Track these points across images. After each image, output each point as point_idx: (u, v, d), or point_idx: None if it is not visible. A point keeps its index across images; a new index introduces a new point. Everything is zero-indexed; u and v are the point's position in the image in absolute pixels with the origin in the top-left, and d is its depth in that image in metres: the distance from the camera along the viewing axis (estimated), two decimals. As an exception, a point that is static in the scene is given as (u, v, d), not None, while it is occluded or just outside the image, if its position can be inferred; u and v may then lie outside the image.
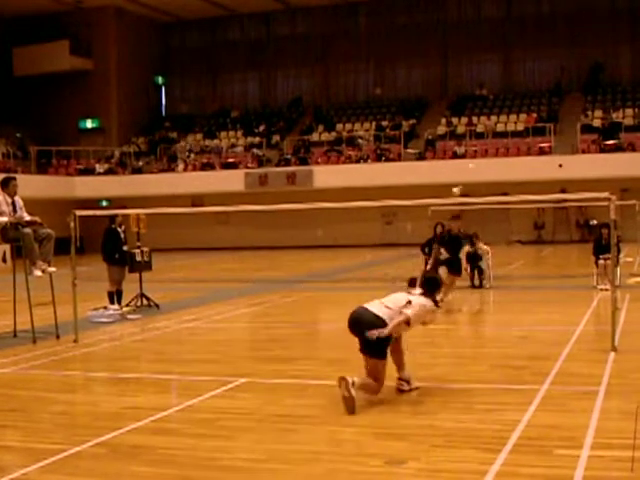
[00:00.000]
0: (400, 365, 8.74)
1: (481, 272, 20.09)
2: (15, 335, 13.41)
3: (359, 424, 7.47)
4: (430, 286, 8.73)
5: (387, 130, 46.14)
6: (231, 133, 50.29)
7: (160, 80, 55.26)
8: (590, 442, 6.64)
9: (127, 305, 17.04)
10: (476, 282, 20.02)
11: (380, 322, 8.11)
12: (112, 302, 16.63)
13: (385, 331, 8.04)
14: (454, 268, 17.62)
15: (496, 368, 10.24)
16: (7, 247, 13.22)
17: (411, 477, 6.05)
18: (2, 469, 6.46)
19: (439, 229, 20.41)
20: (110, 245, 16.91)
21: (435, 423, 7.49)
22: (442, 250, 17.99)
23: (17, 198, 13.48)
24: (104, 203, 44.63)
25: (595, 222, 35.42)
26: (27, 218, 13.38)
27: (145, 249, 17.98)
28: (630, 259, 25.29)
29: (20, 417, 8.32)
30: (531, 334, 12.95)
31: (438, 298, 8.81)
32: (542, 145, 41.37)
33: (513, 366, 10.26)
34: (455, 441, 6.85)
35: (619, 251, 17.88)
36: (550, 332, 13.19)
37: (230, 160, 45.97)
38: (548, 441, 6.73)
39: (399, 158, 43.58)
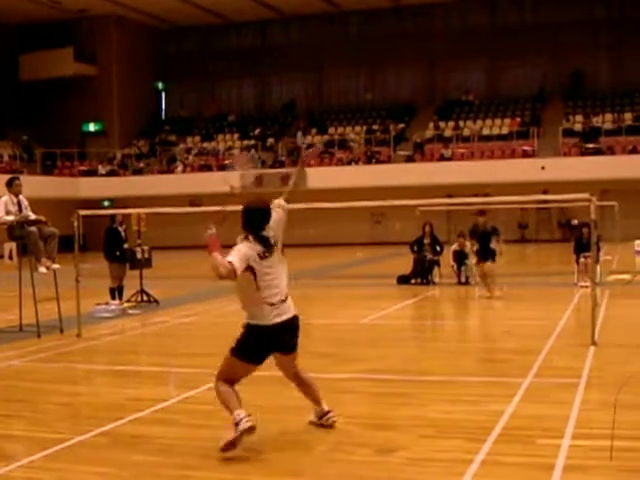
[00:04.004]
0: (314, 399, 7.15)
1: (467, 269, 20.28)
2: (21, 329, 13.37)
3: (349, 415, 7.43)
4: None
5: (377, 133, 46.55)
6: (228, 136, 50.51)
7: (160, 85, 55.51)
8: (571, 432, 6.70)
9: (128, 301, 17.21)
10: (462, 279, 20.36)
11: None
12: (113, 298, 16.69)
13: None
14: (487, 257, 17.77)
15: (482, 362, 10.38)
16: (13, 245, 13.28)
17: (400, 466, 6.06)
18: (9, 457, 6.51)
19: (427, 228, 21.06)
20: (111, 243, 17.04)
21: (423, 414, 7.53)
22: (474, 241, 18.35)
23: (22, 198, 13.51)
24: (106, 203, 44.37)
25: (576, 222, 35.25)
26: (32, 217, 13.41)
27: (145, 247, 18.16)
28: (609, 257, 25.23)
29: (25, 407, 8.32)
30: (515, 329, 13.01)
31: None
32: (525, 148, 41.72)
33: (498, 360, 10.37)
34: (442, 431, 6.92)
35: (599, 250, 17.70)
36: (533, 327, 13.20)
37: (227, 162, 45.88)
38: (531, 431, 6.79)
39: (389, 160, 43.92)
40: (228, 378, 6.60)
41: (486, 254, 17.81)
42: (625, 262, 25.20)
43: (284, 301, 6.69)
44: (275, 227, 6.78)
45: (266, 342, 6.63)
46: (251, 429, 6.33)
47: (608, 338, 11.29)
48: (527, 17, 48.70)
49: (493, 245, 18.03)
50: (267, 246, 6.62)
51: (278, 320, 6.61)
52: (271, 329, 6.59)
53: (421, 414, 7.57)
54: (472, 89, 49.08)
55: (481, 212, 18.50)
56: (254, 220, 6.68)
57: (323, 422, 7.07)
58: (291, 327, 6.74)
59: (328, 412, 7.06)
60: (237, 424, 6.32)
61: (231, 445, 6.30)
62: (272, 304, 6.59)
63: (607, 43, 46.91)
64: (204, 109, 54.06)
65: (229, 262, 6.38)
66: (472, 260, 19.78)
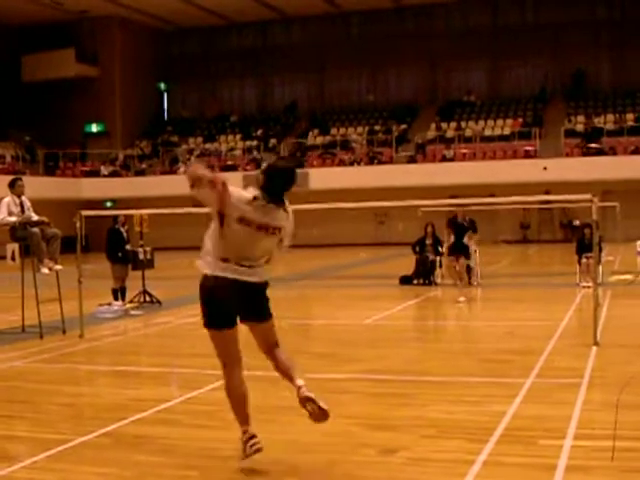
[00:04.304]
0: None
1: (469, 270, 19.83)
2: (23, 330, 13.32)
3: (351, 416, 7.45)
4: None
5: (379, 134, 46.59)
6: (230, 137, 50.54)
7: (162, 86, 55.51)
8: (573, 432, 6.69)
9: (130, 301, 17.20)
10: None
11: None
12: (116, 299, 16.63)
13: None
14: (457, 252, 17.59)
15: (483, 362, 10.26)
16: (16, 246, 13.21)
17: (402, 466, 6.06)
18: (12, 458, 6.50)
19: (429, 229, 21.07)
20: (113, 244, 17.03)
21: (424, 414, 7.53)
22: (450, 231, 18.02)
23: (25, 199, 13.46)
24: (109, 204, 44.40)
25: (578, 222, 35.42)
26: (35, 218, 13.39)
27: (148, 248, 18.05)
28: (611, 258, 25.30)
29: (28, 408, 8.31)
30: (517, 329, 12.98)
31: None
32: (527, 149, 41.76)
33: (499, 360, 10.29)
34: (444, 432, 6.91)
35: (601, 250, 17.54)
36: (535, 327, 13.20)
37: (229, 163, 46.31)
38: (533, 432, 6.78)
39: (391, 161, 43.98)
40: (224, 360, 6.12)
41: (460, 249, 17.59)
42: (627, 263, 25.00)
43: (246, 266, 5.96)
44: (288, 229, 6.11)
45: (218, 297, 5.94)
46: (257, 451, 5.97)
47: (610, 338, 11.28)
48: (529, 17, 48.71)
49: (465, 240, 17.86)
50: (274, 201, 5.92)
51: (226, 275, 5.92)
52: (218, 280, 5.94)
53: (422, 414, 7.57)
54: (474, 89, 49.14)
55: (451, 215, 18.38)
56: (276, 185, 5.97)
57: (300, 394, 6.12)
58: (246, 287, 5.97)
59: (301, 387, 6.05)
60: (244, 443, 5.99)
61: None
62: (225, 259, 5.94)
63: (609, 43, 46.93)
64: (206, 110, 54.15)
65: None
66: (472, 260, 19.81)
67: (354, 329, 13.95)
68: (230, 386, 6.10)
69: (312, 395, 6.00)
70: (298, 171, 6.69)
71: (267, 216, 5.93)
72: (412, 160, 43.85)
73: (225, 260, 5.95)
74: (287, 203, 6.10)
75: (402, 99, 50.00)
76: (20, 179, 13.83)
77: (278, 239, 6.10)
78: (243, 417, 6.05)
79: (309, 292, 20.93)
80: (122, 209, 28.07)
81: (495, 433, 6.79)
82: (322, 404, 5.99)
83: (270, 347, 6.30)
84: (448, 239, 18.57)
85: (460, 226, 17.87)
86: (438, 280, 20.94)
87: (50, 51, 48.81)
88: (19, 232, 13.29)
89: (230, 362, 6.10)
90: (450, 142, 44.21)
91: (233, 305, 6.00)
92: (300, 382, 6.10)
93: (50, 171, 46.93)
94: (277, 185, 5.96)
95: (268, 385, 8.23)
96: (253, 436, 5.99)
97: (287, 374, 6.23)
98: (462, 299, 16.95)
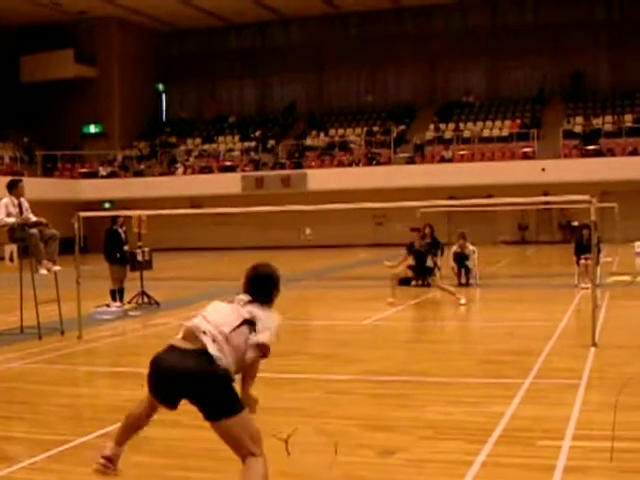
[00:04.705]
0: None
1: (468, 271, 20.40)
2: (22, 331, 13.30)
3: (349, 417, 7.45)
4: (265, 290, 5.58)
5: (378, 135, 46.64)
6: (228, 138, 50.59)
7: (161, 87, 55.60)
8: (571, 433, 6.71)
9: (129, 302, 17.12)
10: (463, 280, 20.35)
11: (216, 368, 4.98)
12: (114, 300, 16.63)
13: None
14: (422, 275, 18.14)
15: (482, 363, 10.24)
16: (14, 247, 13.25)
17: (400, 467, 6.06)
18: (11, 459, 6.48)
19: (427, 230, 20.74)
20: (111, 245, 16.99)
21: (423, 415, 7.53)
22: (410, 257, 18.09)
23: (23, 200, 13.40)
24: (107, 205, 44.34)
25: (576, 223, 34.84)
26: (33, 219, 13.32)
27: (146, 249, 18.08)
28: (610, 259, 25.29)
29: (27, 409, 8.31)
30: (515, 330, 12.96)
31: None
32: (526, 150, 41.85)
33: (498, 361, 10.29)
34: (442, 433, 6.90)
35: (599, 251, 17.69)
36: (533, 328, 13.19)
37: (227, 164, 46.44)
38: (531, 432, 6.79)
39: (389, 162, 44.02)
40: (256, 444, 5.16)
41: (422, 272, 17.84)
42: (625, 263, 25.21)
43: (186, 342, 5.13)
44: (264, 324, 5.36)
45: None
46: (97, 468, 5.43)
47: (608, 339, 11.29)
48: (527, 18, 48.82)
49: (429, 263, 17.97)
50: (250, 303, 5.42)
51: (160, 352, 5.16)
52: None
53: (421, 415, 7.57)
54: (472, 90, 49.24)
55: (413, 229, 18.38)
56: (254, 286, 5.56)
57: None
58: (167, 373, 5.02)
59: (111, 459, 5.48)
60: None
61: None
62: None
63: (607, 44, 47.05)
64: (205, 111, 54.18)
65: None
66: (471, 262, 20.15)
67: (353, 330, 13.95)
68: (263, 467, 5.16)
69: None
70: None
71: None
72: (411, 161, 43.95)
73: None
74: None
75: (401, 100, 50.10)
76: (20, 181, 13.81)
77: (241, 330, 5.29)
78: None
79: (307, 293, 20.81)
80: (120, 210, 28.06)
81: (493, 434, 6.78)
82: None
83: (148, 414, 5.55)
84: (405, 261, 18.47)
85: (418, 252, 17.90)
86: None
87: (49, 52, 48.97)
88: (17, 233, 13.25)
89: (258, 444, 5.24)
90: (449, 143, 44.32)
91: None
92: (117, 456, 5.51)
93: (48, 172, 47.04)
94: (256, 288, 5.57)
95: (263, 386, 8.00)
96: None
97: (126, 438, 5.55)
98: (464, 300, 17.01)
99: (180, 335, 5.19)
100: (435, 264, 20.92)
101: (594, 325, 11.07)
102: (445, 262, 21.11)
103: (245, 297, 5.46)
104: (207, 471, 6.13)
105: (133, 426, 5.52)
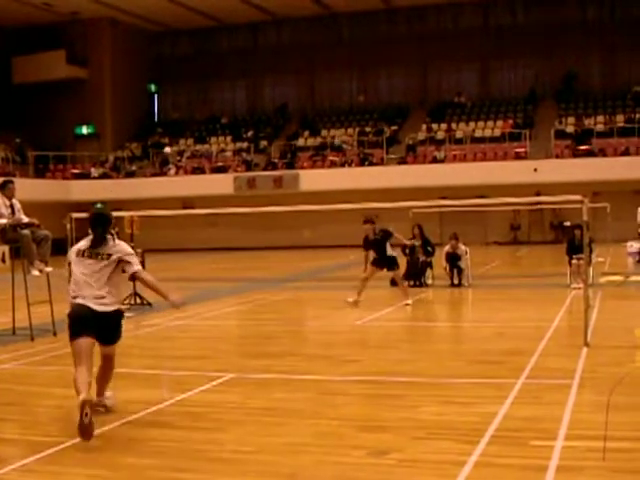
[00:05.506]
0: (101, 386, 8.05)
1: (460, 271, 20.26)
2: (14, 332, 13.29)
3: (342, 417, 7.50)
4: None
5: (370, 136, 46.52)
6: (220, 138, 50.52)
7: (152, 88, 55.55)
8: (564, 433, 6.71)
9: (121, 303, 17.53)
10: (455, 281, 20.24)
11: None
12: None
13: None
14: (388, 265, 17.19)
15: (474, 363, 10.25)
16: (6, 248, 13.17)
17: (393, 467, 6.08)
18: (2, 460, 6.45)
19: (416, 230, 21.03)
20: None
21: (416, 416, 7.54)
22: (370, 252, 17.38)
23: (15, 201, 13.31)
24: (99, 206, 44.17)
25: (568, 224, 33.76)
26: (25, 220, 13.25)
27: (138, 250, 17.12)
28: (602, 259, 25.37)
29: (18, 411, 8.32)
30: (507, 330, 13.02)
31: None
32: (518, 150, 41.77)
33: (490, 361, 10.31)
34: (435, 433, 6.90)
35: (591, 251, 17.65)
36: (526, 328, 13.25)
37: (219, 164, 46.33)
38: (524, 432, 6.79)
39: (381, 162, 43.92)
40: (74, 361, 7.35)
41: (385, 262, 17.11)
42: (617, 264, 25.21)
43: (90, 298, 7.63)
44: (123, 251, 7.94)
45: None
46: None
47: (601, 339, 11.31)
48: (519, 19, 48.79)
49: (390, 252, 17.21)
50: (95, 247, 7.72)
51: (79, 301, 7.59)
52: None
53: (413, 416, 7.57)
54: (464, 91, 49.22)
55: (366, 221, 17.68)
56: (94, 221, 7.89)
57: (97, 403, 7.56)
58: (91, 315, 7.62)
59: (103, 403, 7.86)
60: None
61: None
62: (74, 297, 7.58)
63: (599, 44, 47.04)
64: (196, 111, 54.12)
65: None
66: (463, 262, 20.13)
67: (347, 330, 13.95)
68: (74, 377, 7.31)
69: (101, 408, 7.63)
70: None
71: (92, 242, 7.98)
72: (403, 161, 43.89)
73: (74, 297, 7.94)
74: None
75: (392, 100, 50.08)
76: (12, 181, 13.71)
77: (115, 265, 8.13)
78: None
79: (300, 294, 20.84)
80: (112, 211, 27.85)
81: (486, 434, 6.77)
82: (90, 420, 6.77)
83: (106, 356, 8.13)
84: (367, 259, 17.65)
85: (374, 242, 17.24)
86: (429, 281, 20.97)
87: (40, 53, 48.91)
88: (9, 234, 13.19)
89: (75, 365, 7.48)
90: (441, 143, 44.23)
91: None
92: (106, 402, 7.92)
93: (40, 173, 46.92)
94: (95, 222, 8.00)
95: (256, 387, 8.31)
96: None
97: (101, 385, 7.95)
98: (409, 302, 16.79)
99: None
100: (428, 263, 21.07)
101: (586, 325, 11.08)
102: (437, 262, 21.07)
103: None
104: (198, 472, 6.13)
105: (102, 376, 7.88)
